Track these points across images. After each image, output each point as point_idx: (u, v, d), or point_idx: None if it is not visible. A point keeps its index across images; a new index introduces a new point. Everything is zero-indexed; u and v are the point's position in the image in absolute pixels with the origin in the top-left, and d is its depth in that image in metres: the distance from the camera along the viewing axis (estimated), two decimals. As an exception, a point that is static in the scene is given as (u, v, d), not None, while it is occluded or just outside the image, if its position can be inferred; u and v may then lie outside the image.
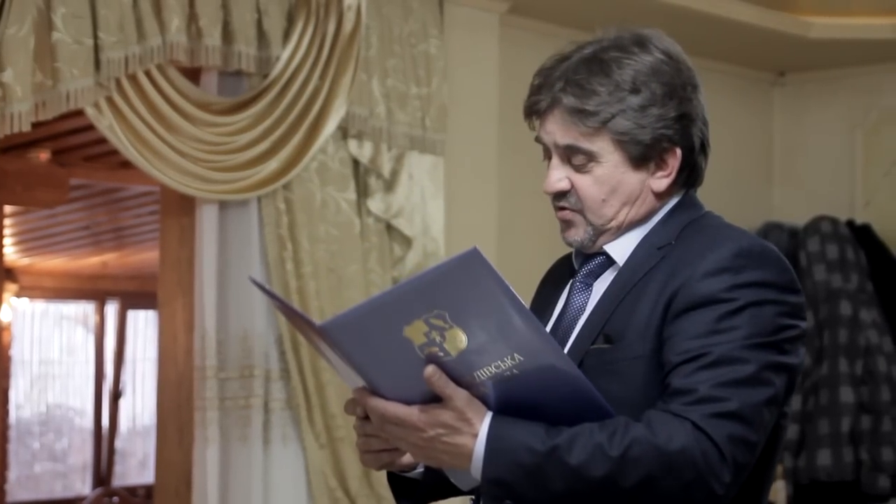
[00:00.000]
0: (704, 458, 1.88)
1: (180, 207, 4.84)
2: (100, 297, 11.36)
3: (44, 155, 7.09)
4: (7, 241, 9.01)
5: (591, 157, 2.10)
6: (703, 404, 1.91)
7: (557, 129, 2.13)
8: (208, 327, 4.73)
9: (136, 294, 10.94)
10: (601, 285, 2.16)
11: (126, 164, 4.53)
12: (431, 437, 1.93)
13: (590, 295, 2.16)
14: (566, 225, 2.17)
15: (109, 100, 4.33)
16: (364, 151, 4.94)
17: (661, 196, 2.15)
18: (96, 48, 4.26)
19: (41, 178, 7.25)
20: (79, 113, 4.33)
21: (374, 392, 1.96)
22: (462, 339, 1.88)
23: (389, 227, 5.03)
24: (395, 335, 1.89)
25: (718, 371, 1.93)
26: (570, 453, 1.88)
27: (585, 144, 2.10)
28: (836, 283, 6.33)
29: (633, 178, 2.11)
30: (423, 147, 5.13)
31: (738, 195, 6.75)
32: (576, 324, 2.14)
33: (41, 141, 6.64)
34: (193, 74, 4.68)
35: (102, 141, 4.45)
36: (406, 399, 1.95)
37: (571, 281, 2.22)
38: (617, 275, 2.13)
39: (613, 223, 2.14)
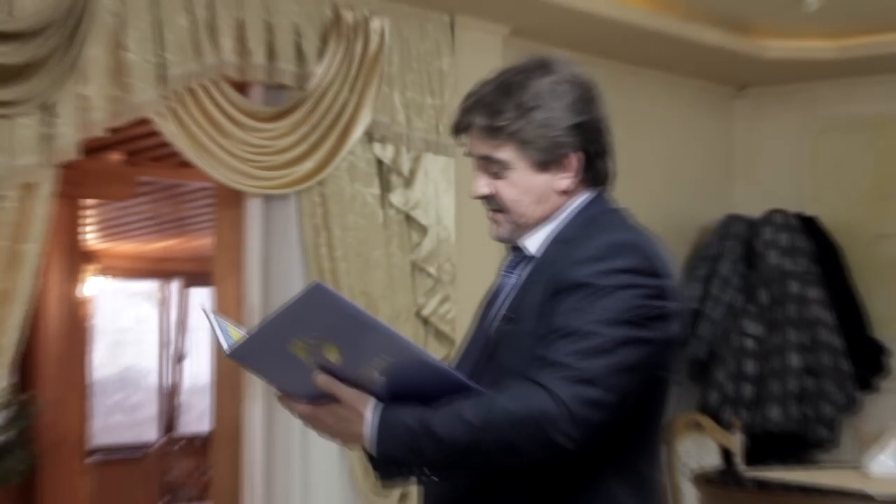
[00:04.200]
0: (554, 417, 1.89)
1: (231, 201, 4.84)
2: (164, 276, 11.39)
3: (117, 156, 7.10)
4: (89, 228, 9.03)
5: (503, 165, 2.15)
6: (558, 370, 1.92)
7: (475, 144, 2.19)
8: (255, 301, 4.75)
9: (194, 273, 10.95)
10: (523, 272, 2.19)
11: (186, 164, 4.52)
12: (336, 428, 2.00)
13: (512, 281, 2.19)
14: (493, 223, 2.23)
15: (172, 109, 4.33)
16: (387, 153, 4.94)
17: (566, 194, 2.17)
18: (162, 66, 4.26)
19: (114, 175, 7.26)
20: (147, 120, 4.33)
21: (288, 396, 2.06)
22: (335, 350, 1.95)
23: (408, 218, 5.02)
24: (284, 354, 1.96)
25: (575, 343, 1.94)
26: (438, 426, 1.92)
27: (497, 155, 2.15)
28: (786, 266, 6.32)
29: (539, 180, 2.14)
30: (437, 149, 5.12)
31: (704, 191, 6.75)
32: (501, 306, 2.17)
33: (115, 144, 6.65)
34: (242, 87, 4.68)
35: (166, 144, 4.44)
36: (314, 398, 2.02)
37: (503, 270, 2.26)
38: (530, 264, 2.16)
39: (528, 219, 2.17)
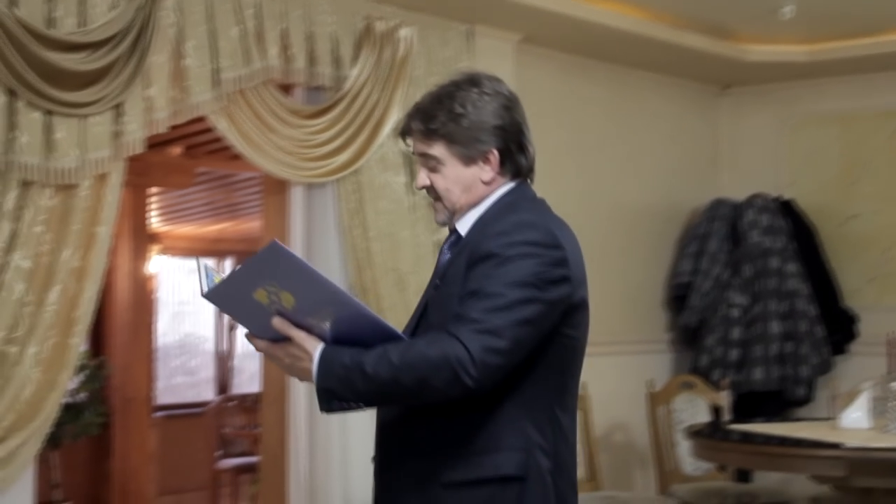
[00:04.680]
0: (459, 360, 2.03)
1: (277, 188, 4.85)
2: (218, 255, 11.42)
3: (177, 150, 7.13)
4: (153, 213, 9.06)
5: (437, 161, 2.28)
6: (468, 323, 2.06)
7: (416, 144, 2.32)
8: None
9: (245, 253, 10.98)
10: (454, 249, 2.31)
11: (237, 156, 4.54)
12: (289, 364, 2.16)
13: (447, 258, 2.31)
14: (434, 210, 2.36)
15: (225, 109, 4.34)
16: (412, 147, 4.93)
17: (489, 184, 2.29)
18: (216, 70, 4.27)
19: (175, 167, 7.29)
20: (203, 118, 4.35)
21: (254, 335, 2.21)
22: (290, 299, 2.09)
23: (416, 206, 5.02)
24: (249, 299, 2.11)
25: (483, 302, 2.08)
26: (367, 364, 2.07)
27: (431, 152, 2.28)
28: (767, 244, 6.30)
29: (466, 173, 2.28)
30: (458, 143, 5.11)
31: (693, 178, 6.73)
32: (436, 277, 2.32)
33: (176, 139, 6.68)
34: (286, 89, 4.69)
35: (220, 139, 4.46)
36: (273, 338, 2.17)
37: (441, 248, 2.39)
38: (459, 244, 2.28)
39: (458, 205, 2.30)
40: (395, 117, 4.79)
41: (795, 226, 6.45)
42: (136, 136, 4.03)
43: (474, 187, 2.28)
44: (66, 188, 3.88)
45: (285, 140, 4.54)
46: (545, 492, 2.17)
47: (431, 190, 2.32)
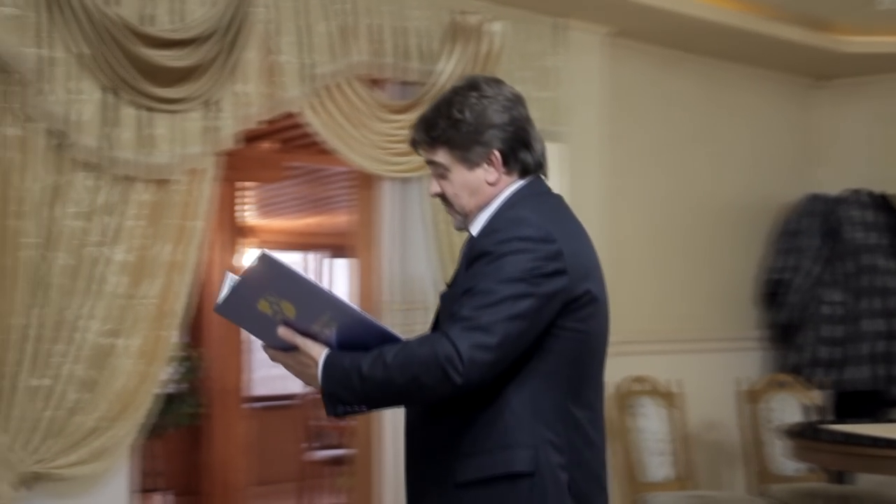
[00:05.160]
0: (448, 358, 2.04)
1: (368, 183, 4.87)
2: (310, 249, 11.52)
3: (266, 144, 7.20)
4: (247, 207, 9.17)
5: (443, 167, 2.32)
6: (459, 321, 2.09)
7: (423, 153, 2.35)
8: (389, 270, 4.78)
9: (335, 246, 11.06)
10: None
11: (328, 151, 4.56)
12: (298, 370, 2.22)
13: (462, 258, 2.32)
14: (450, 216, 2.38)
15: (317, 103, 4.37)
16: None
17: (495, 185, 2.31)
18: (308, 66, 4.30)
19: (265, 161, 7.36)
20: (295, 113, 4.38)
21: (268, 345, 2.26)
22: (291, 308, 2.14)
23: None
24: (254, 311, 2.17)
25: (475, 299, 2.10)
26: (364, 366, 2.11)
27: (437, 159, 2.32)
28: (866, 240, 6.16)
29: (471, 176, 2.30)
30: (549, 137, 5.09)
31: (784, 173, 6.60)
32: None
33: (269, 133, 6.74)
34: (376, 83, 4.70)
35: (312, 133, 4.49)
36: (283, 347, 2.22)
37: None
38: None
39: (468, 208, 2.32)
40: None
41: (892, 221, 6.29)
42: (229, 132, 4.08)
43: (481, 190, 2.30)
44: (162, 183, 3.94)
45: (375, 135, 4.55)
46: (557, 487, 2.17)
47: (443, 197, 2.35)
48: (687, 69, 6.09)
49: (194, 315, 6.74)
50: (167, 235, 3.96)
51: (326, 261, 11.81)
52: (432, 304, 4.76)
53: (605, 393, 2.37)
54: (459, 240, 4.86)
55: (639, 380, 5.43)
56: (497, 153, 2.29)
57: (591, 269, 2.27)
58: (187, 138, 3.98)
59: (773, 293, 6.33)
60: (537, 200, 2.31)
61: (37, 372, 3.71)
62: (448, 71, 4.67)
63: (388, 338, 2.17)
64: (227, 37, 4.03)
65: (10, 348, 3.67)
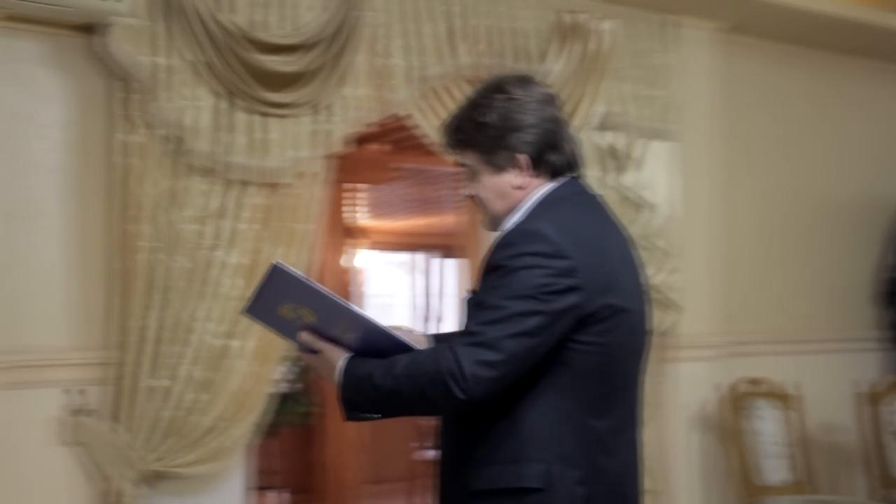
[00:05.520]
0: (451, 373, 2.03)
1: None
2: (420, 249, 11.58)
3: (378, 146, 7.24)
4: (358, 208, 9.25)
5: (472, 170, 2.29)
6: (467, 336, 2.08)
7: (455, 156, 2.33)
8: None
9: (445, 246, 11.09)
10: None
11: (437, 152, 4.57)
12: (323, 374, 2.23)
13: None
14: (481, 216, 2.35)
15: (426, 105, 4.38)
16: (619, 140, 4.87)
17: (523, 188, 2.26)
18: (417, 68, 4.31)
19: (371, 163, 7.41)
20: (404, 115, 4.40)
21: (298, 348, 2.28)
22: (310, 314, 2.17)
23: (624, 198, 4.94)
24: (278, 316, 2.20)
25: (485, 314, 2.08)
26: (376, 375, 2.12)
27: (466, 162, 2.30)
28: None
29: (498, 180, 2.26)
30: (663, 136, 5.04)
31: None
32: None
33: (379, 136, 6.78)
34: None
35: (421, 135, 4.50)
36: (310, 350, 2.24)
37: None
38: None
39: (497, 211, 2.29)
40: (597, 111, 4.74)
41: None
42: (339, 135, 4.12)
43: (508, 193, 2.27)
44: (274, 187, 3.99)
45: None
46: (571, 502, 2.14)
47: (474, 199, 2.33)
48: (803, 64, 5.94)
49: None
50: (279, 238, 4.01)
51: (436, 261, 11.85)
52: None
53: (641, 404, 2.32)
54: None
55: (754, 381, 5.32)
56: (524, 157, 2.25)
57: (614, 281, 2.19)
58: (298, 142, 4.02)
59: (891, 292, 6.15)
60: (562, 207, 2.24)
61: (156, 373, 3.80)
62: (556, 71, 4.64)
63: (401, 347, 2.17)
64: (336, 41, 4.06)
65: (130, 350, 3.76)
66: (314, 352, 2.23)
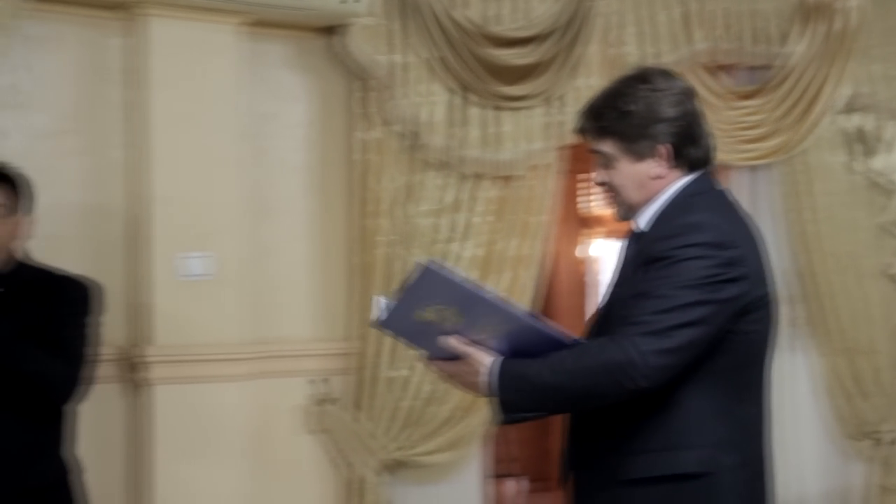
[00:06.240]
0: (630, 363, 2.05)
1: (718, 172, 4.73)
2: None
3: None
4: (593, 197, 9.18)
5: (609, 157, 2.27)
6: (637, 327, 2.08)
7: (590, 142, 2.31)
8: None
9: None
10: (633, 246, 2.30)
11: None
12: (465, 380, 2.21)
13: (629, 254, 2.30)
14: (611, 205, 2.35)
15: (660, 93, 4.31)
16: (867, 122, 4.65)
17: (662, 179, 2.26)
18: (653, 55, 4.25)
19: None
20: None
21: (431, 358, 2.26)
22: (457, 314, 2.14)
23: (873, 183, 4.69)
24: (420, 321, 2.15)
25: (653, 304, 2.09)
26: (541, 372, 2.12)
27: (603, 149, 2.28)
28: None
29: (638, 169, 2.26)
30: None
31: None
32: (616, 275, 2.33)
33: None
34: (722, 69, 4.57)
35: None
36: (446, 357, 2.20)
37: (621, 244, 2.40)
38: (640, 240, 2.27)
39: (633, 201, 2.29)
40: (843, 92, 4.54)
41: None
42: (572, 126, 4.08)
43: (647, 183, 2.26)
44: (508, 179, 4.00)
45: (722, 122, 4.42)
46: (732, 488, 2.17)
47: (608, 186, 2.32)
48: None
49: (544, 306, 6.81)
50: (513, 230, 4.02)
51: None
52: (780, 297, 4.57)
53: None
54: (813, 229, 4.64)
55: None
56: (666, 147, 2.24)
57: (764, 271, 2.23)
58: (531, 134, 4.02)
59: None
60: (711, 199, 2.26)
61: (395, 363, 3.88)
62: (799, 52, 4.46)
63: (559, 342, 2.16)
64: (569, 32, 4.04)
65: (370, 341, 3.86)
66: (451, 359, 2.21)
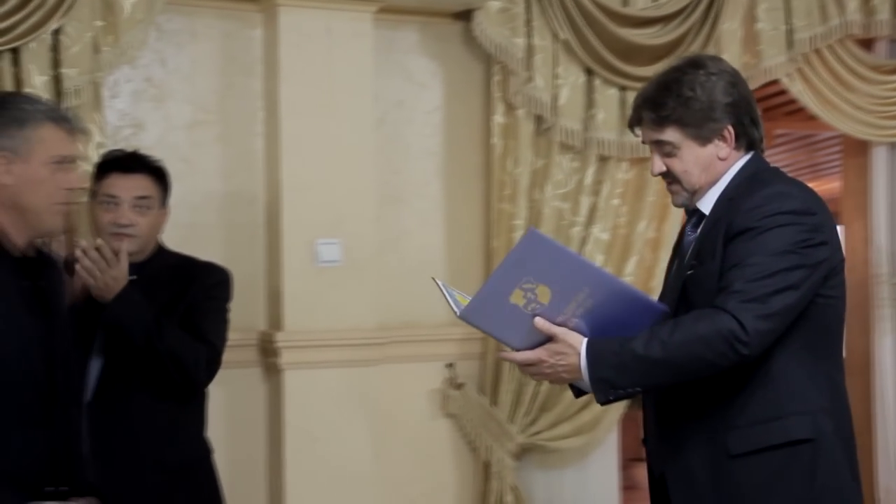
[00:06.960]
0: (732, 332, 2.09)
1: (857, 149, 4.64)
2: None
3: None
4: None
5: (671, 146, 2.31)
6: (735, 295, 2.11)
7: (647, 133, 2.35)
8: (881, 241, 4.54)
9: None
10: (700, 229, 2.33)
11: (813, 117, 4.35)
12: (553, 364, 2.20)
13: (693, 237, 2.33)
14: (672, 194, 2.37)
15: (799, 70, 4.19)
16: None
17: (726, 160, 2.31)
18: (789, 32, 4.13)
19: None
20: (775, 82, 4.22)
21: (511, 349, 2.25)
22: (547, 291, 2.12)
23: None
24: (506, 305, 2.14)
25: (748, 272, 2.13)
26: (638, 347, 2.12)
27: (666, 138, 2.30)
28: None
29: (703, 152, 2.31)
30: None
31: None
32: (686, 257, 2.34)
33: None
34: (866, 43, 4.40)
35: (794, 101, 4.30)
36: (529, 346, 2.19)
37: (682, 228, 2.44)
38: (705, 221, 2.31)
39: (698, 185, 2.32)
40: None
41: None
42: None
43: (712, 165, 2.31)
44: (640, 161, 3.94)
45: (865, 98, 4.29)
46: (835, 453, 2.21)
47: (668, 174, 2.34)
48: None
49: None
50: (644, 213, 3.96)
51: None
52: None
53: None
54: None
55: None
56: (730, 128, 2.30)
57: (838, 237, 2.30)
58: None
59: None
60: (779, 173, 2.33)
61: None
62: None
63: (650, 308, 2.19)
64: (704, 9, 3.96)
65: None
66: (535, 346, 2.20)
